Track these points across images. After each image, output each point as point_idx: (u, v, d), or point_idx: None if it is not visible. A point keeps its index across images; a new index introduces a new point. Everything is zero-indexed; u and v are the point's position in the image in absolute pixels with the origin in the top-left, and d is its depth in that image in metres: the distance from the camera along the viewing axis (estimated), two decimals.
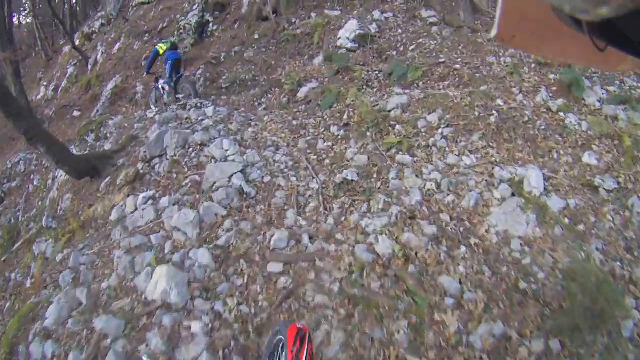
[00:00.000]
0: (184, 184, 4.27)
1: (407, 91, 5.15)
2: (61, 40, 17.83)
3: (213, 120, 5.33)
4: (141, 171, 4.57)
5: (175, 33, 9.44)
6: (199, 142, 4.77)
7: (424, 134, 4.39)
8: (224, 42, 8.40)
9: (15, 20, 22.76)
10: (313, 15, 7.84)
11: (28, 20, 22.38)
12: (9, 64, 9.20)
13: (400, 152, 4.24)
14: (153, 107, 6.71)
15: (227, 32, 8.78)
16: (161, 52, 6.89)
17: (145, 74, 7.30)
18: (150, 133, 5.16)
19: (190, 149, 4.72)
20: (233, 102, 6.49)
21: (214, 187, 4.09)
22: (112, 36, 12.05)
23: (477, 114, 4.42)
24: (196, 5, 9.78)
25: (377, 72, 5.92)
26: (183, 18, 9.81)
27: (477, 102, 4.57)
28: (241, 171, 4.22)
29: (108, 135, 6.16)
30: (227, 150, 4.59)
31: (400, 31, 6.79)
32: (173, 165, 4.54)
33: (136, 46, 10.27)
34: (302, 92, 6.03)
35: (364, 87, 5.63)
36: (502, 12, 0.52)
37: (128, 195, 4.31)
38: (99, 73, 9.98)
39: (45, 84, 13.23)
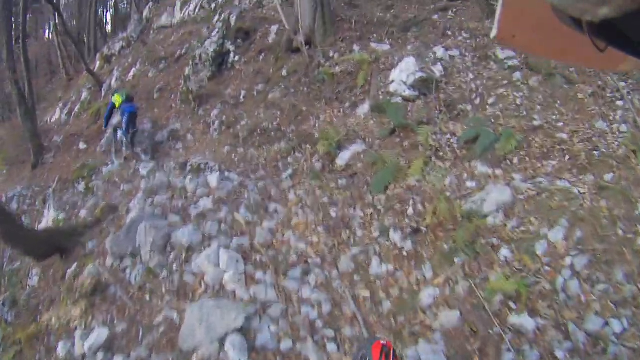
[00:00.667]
0: (155, 322, 3.81)
1: (498, 171, 4.67)
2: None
3: (216, 196, 5.10)
4: (105, 279, 4.29)
5: (190, 63, 10.25)
6: (186, 246, 4.41)
7: (547, 268, 3.69)
8: (246, 77, 8.96)
9: (47, 34, 29.03)
10: (356, 48, 7.82)
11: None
12: (13, 85, 10.74)
13: (515, 310, 3.47)
14: (115, 159, 8.18)
15: (250, 64, 9.38)
16: (117, 104, 8.63)
17: (104, 128, 9.32)
18: (133, 205, 5.13)
19: (172, 256, 4.37)
20: (251, 159, 6.45)
21: (195, 355, 3.42)
22: (129, 60, 13.93)
23: (619, 231, 3.74)
24: (216, 30, 10.43)
25: (448, 136, 5.46)
26: (199, 45, 10.52)
27: (615, 208, 3.89)
28: (241, 328, 3.45)
29: (95, 189, 6.54)
30: (225, 271, 4.06)
31: (471, 76, 6.45)
32: (147, 277, 4.21)
33: (151, 74, 11.76)
34: (342, 158, 5.74)
35: (432, 158, 5.21)
36: (502, 12, 0.66)
37: (82, 316, 4.06)
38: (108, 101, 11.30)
39: (61, 106, 15.62)
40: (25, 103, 11.06)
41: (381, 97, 6.53)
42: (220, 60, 9.77)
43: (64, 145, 10.84)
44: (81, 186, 6.86)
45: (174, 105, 9.85)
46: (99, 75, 14.62)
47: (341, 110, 6.87)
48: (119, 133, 8.62)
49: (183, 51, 11.78)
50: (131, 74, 12.55)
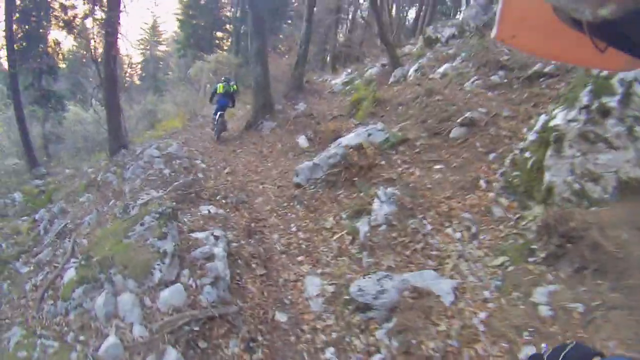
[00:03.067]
0: None
1: None
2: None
3: None
4: None
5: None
6: None
7: None
8: None
9: None
10: None
11: None
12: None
13: None
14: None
15: None
16: (218, 91, 12.35)
17: (209, 102, 13.45)
18: None
19: None
20: None
21: None
22: (449, 52, 11.48)
23: None
24: None
25: None
26: None
27: None
28: None
29: None
30: None
31: None
32: None
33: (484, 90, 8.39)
34: None
35: None
36: (502, 12, 0.66)
37: None
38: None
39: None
40: None
41: None
42: None
43: None
44: None
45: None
46: (400, 56, 13.83)
47: None
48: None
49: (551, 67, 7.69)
50: (441, 70, 10.07)
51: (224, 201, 7.12)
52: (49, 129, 19.91)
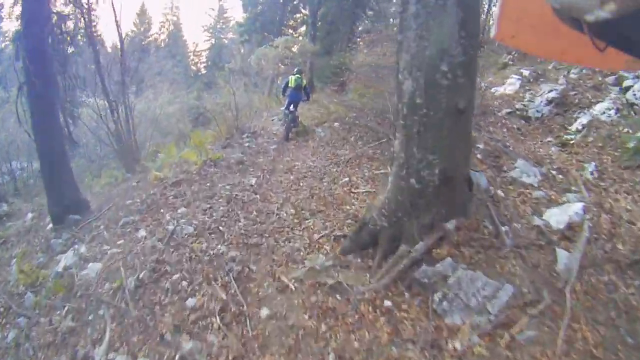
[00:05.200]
0: None
1: None
2: None
3: None
4: None
5: None
6: None
7: None
8: None
9: None
10: None
11: None
12: None
13: None
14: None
15: None
16: (289, 84, 10.91)
17: (282, 94, 11.80)
18: None
19: None
20: None
21: None
22: None
23: None
24: None
25: None
26: None
27: None
28: None
29: None
30: None
31: None
32: None
33: None
34: None
35: None
36: (502, 12, 0.66)
37: None
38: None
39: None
40: None
41: None
42: None
43: None
44: None
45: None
46: None
47: None
48: (282, 108, 11.35)
49: None
50: None
51: None
52: None
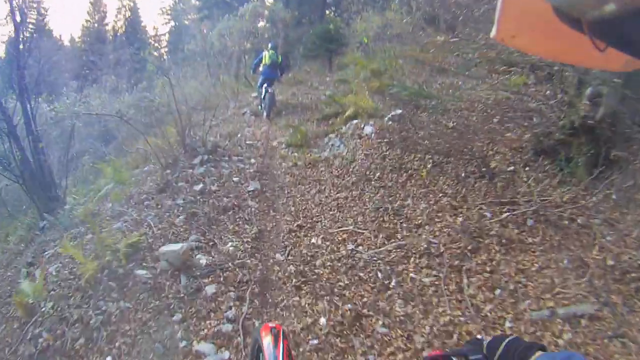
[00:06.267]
0: None
1: None
2: None
3: None
4: None
5: None
6: None
7: None
8: None
9: None
10: None
11: None
12: None
13: None
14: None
15: None
16: (263, 61, 9.83)
17: (252, 73, 11.55)
18: None
19: None
20: None
21: None
22: None
23: None
24: None
25: None
26: None
27: None
28: None
29: None
30: None
31: None
32: None
33: None
34: None
35: None
36: (501, 12, 0.66)
37: None
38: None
39: None
40: None
41: None
42: None
43: None
44: None
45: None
46: None
47: None
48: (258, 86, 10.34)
49: None
50: None
51: None
52: None
